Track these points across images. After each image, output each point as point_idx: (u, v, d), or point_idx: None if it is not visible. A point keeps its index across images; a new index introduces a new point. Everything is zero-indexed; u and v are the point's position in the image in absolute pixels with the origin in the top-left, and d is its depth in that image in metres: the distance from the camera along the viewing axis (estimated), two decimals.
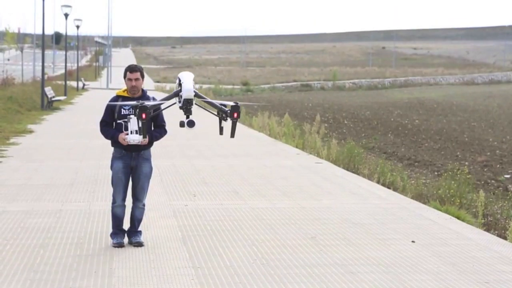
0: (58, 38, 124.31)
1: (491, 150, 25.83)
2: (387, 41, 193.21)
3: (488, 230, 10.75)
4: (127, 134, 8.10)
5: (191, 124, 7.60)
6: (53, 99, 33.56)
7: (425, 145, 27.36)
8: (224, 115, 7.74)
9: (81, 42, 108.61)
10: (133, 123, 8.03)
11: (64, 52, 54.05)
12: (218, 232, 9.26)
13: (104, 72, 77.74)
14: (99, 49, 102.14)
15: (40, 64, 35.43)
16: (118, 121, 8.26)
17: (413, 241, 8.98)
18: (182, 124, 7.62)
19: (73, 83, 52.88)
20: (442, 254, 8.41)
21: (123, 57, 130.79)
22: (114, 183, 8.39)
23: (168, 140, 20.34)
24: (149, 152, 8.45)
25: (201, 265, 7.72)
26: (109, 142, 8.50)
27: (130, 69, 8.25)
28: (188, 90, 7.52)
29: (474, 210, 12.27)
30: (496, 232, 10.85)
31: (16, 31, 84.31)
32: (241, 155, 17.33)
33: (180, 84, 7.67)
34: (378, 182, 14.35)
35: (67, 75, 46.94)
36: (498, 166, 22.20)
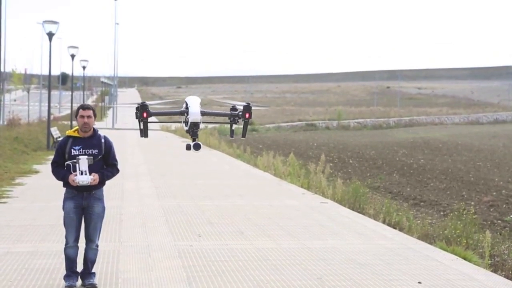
0: (64, 79, 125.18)
1: (497, 190, 25.73)
2: (392, 81, 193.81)
3: (495, 271, 10.66)
4: (76, 175, 8.13)
5: (197, 147, 7.75)
6: (59, 139, 33.68)
7: (431, 184, 27.29)
8: (236, 118, 8.01)
9: (87, 83, 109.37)
10: (82, 164, 8.08)
11: (70, 93, 54.38)
12: (223, 272, 9.22)
13: (109, 112, 78.07)
14: (105, 89, 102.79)
15: (47, 104, 35.64)
16: (67, 162, 8.26)
17: (419, 282, 8.91)
18: (188, 147, 7.77)
19: None
20: None
21: (129, 97, 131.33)
22: (66, 223, 8.35)
23: (172, 180, 20.45)
24: (101, 191, 8.42)
25: None
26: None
27: (83, 107, 8.36)
28: (195, 113, 7.64)
29: (480, 250, 12.19)
30: (503, 273, 10.76)
31: (23, 72, 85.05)
32: (246, 195, 17.31)
33: (187, 108, 7.78)
34: (383, 222, 14.29)
35: (73, 115, 47.16)
36: (504, 206, 22.09)
